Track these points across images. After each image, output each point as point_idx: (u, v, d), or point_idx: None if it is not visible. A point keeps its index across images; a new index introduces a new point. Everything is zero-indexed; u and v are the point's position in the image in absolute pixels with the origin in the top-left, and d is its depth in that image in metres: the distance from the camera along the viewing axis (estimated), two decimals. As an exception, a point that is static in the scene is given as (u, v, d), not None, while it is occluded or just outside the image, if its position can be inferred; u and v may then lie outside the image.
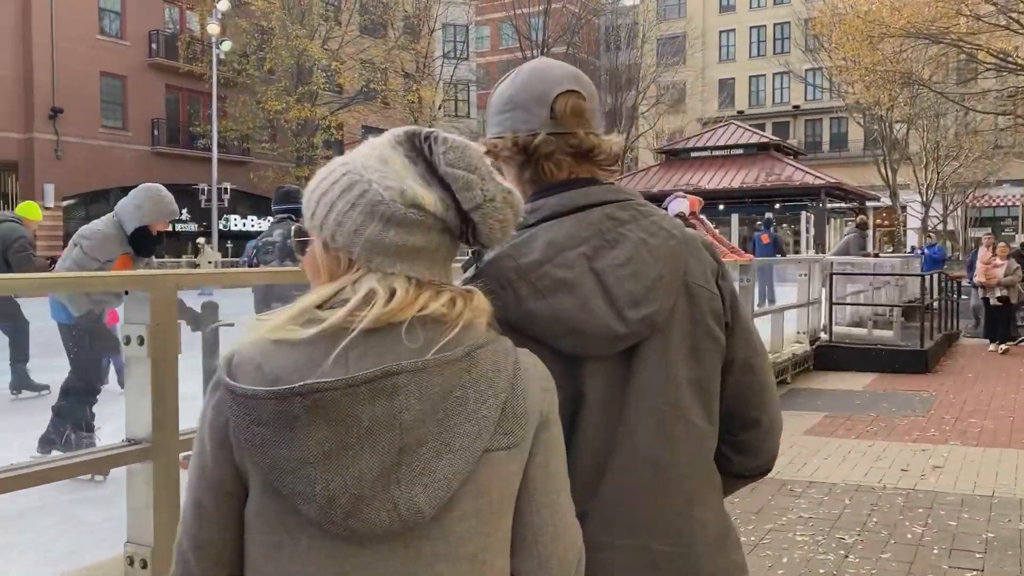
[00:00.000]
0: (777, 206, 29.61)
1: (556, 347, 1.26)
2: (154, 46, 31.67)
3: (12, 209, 26.90)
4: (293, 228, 5.97)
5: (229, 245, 30.90)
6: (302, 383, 0.97)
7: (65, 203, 28.43)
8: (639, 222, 1.33)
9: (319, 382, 0.96)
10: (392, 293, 1.03)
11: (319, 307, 1.05)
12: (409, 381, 0.98)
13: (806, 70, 43.77)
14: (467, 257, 1.28)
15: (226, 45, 28.84)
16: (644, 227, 1.33)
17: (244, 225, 33.96)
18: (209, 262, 24.50)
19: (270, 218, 6.93)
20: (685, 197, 9.48)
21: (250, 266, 6.33)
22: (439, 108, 37.54)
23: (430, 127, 1.14)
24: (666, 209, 7.15)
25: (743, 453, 1.45)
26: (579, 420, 1.28)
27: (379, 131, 1.25)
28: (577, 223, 1.31)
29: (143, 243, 5.30)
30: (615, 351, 1.28)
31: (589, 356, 1.28)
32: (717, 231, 11.26)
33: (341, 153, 1.40)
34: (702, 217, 9.98)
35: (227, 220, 32.69)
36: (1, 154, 27.20)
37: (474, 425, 1.00)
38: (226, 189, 29.20)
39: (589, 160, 1.38)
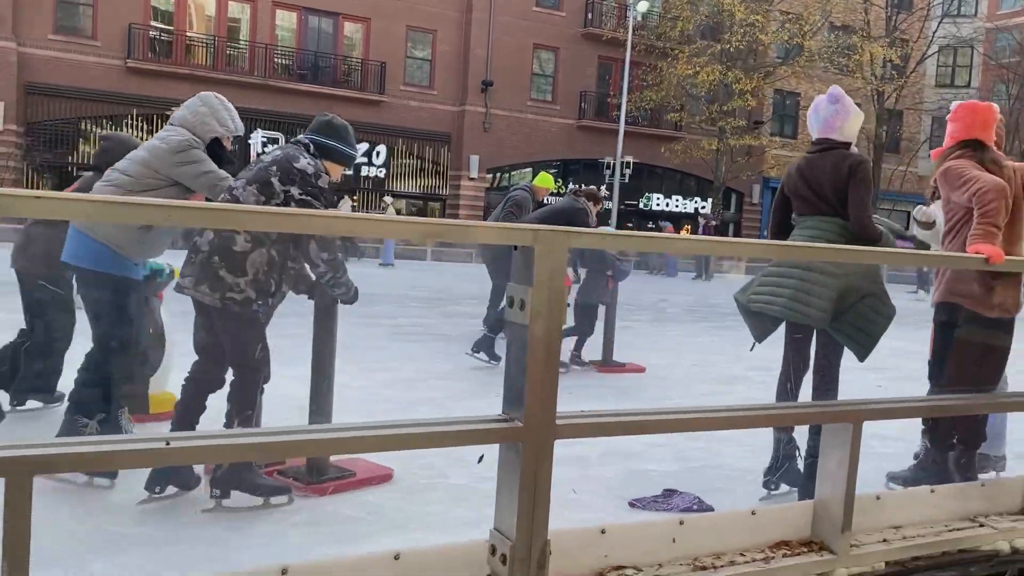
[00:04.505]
0: None
1: None
2: (589, 15, 30.50)
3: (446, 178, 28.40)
4: None
5: (631, 224, 29.96)
6: None
7: (489, 175, 28.91)
8: None
9: None
10: None
11: None
12: None
13: None
14: None
15: (642, 6, 26.60)
16: None
17: (659, 204, 31.99)
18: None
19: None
20: None
21: None
22: (884, 68, 31.49)
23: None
24: None
25: None
26: None
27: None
28: None
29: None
30: None
31: None
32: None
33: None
34: None
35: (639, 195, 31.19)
36: (439, 126, 28.35)
37: None
38: (628, 163, 27.41)
39: None
